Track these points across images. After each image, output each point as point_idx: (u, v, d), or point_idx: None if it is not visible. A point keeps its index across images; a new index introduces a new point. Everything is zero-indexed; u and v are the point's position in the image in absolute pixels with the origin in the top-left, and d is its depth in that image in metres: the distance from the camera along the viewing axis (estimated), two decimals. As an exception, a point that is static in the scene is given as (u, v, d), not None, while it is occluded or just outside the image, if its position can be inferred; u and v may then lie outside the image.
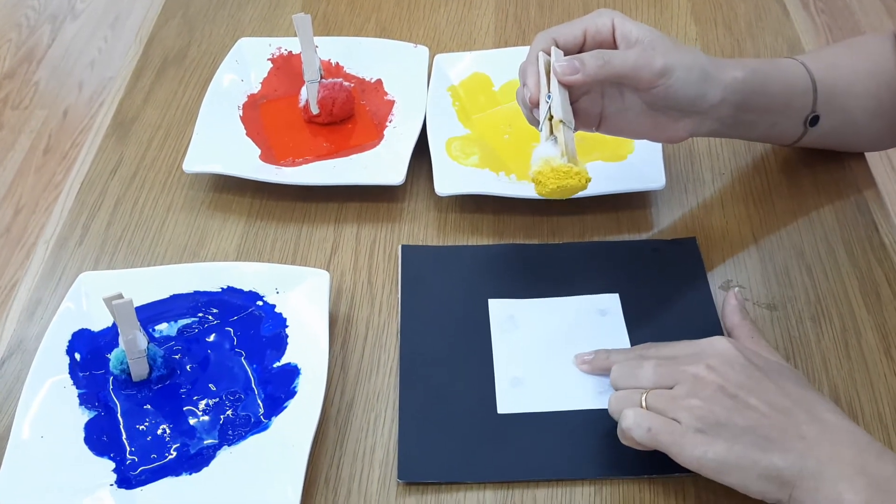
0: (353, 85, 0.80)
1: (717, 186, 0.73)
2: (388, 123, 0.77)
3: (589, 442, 0.56)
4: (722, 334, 0.61)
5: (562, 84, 0.60)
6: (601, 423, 0.57)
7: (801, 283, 0.66)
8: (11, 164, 1.83)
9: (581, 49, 0.63)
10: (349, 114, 0.77)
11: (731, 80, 0.62)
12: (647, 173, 0.71)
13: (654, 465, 0.54)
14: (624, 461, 0.55)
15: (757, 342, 0.57)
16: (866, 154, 0.75)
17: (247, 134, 0.76)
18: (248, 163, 0.73)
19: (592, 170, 0.72)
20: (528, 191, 0.70)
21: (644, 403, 0.52)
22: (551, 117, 0.60)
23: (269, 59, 0.83)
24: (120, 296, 0.54)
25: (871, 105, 0.69)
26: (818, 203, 0.71)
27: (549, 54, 0.62)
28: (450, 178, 0.71)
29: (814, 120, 0.68)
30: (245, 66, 0.82)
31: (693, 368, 0.52)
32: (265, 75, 0.82)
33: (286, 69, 0.82)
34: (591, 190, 0.68)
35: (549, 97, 0.60)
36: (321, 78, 0.76)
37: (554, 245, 0.69)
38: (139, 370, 0.58)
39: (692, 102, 0.61)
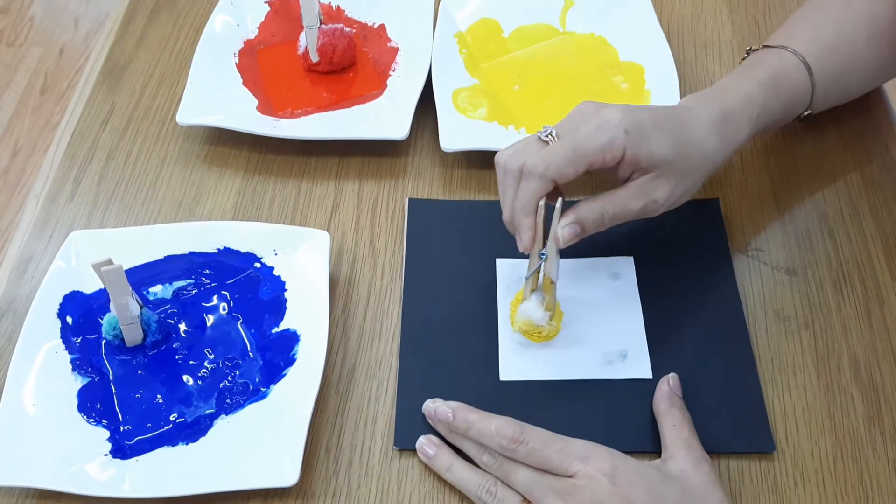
0: (354, 31, 0.76)
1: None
2: (391, 72, 0.73)
3: (593, 413, 0.54)
4: (739, 304, 0.59)
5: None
6: (607, 394, 0.55)
7: (823, 246, 0.63)
8: (8, 103, 1.79)
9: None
10: (350, 62, 0.74)
11: (738, 146, 0.59)
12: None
13: (653, 442, 0.52)
14: (629, 435, 0.53)
15: (677, 432, 0.51)
16: (896, 109, 0.71)
17: (243, 83, 0.72)
18: (244, 114, 0.70)
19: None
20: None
21: None
22: (538, 271, 0.56)
23: (266, 2, 0.78)
24: (109, 261, 0.51)
25: (872, 67, 0.65)
26: (844, 162, 0.68)
27: (546, 199, 0.54)
28: (456, 133, 0.67)
29: (806, 117, 0.64)
30: (241, 9, 0.77)
31: None
32: (262, 19, 0.77)
33: (284, 13, 0.78)
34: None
35: (543, 255, 0.55)
36: (321, 23, 0.72)
37: (566, 203, 0.66)
38: (133, 336, 0.56)
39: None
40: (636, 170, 0.55)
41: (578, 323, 0.59)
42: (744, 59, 0.65)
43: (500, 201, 0.57)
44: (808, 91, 0.62)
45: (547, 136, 0.55)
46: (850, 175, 0.67)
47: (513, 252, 0.60)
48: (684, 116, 0.57)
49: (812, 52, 0.62)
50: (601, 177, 0.60)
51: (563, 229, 0.54)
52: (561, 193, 0.54)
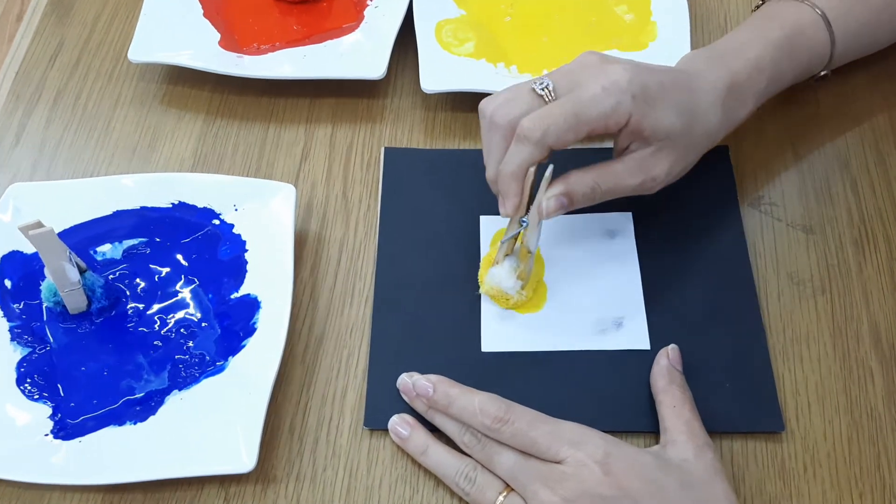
0: (328, -46, 0.68)
1: (753, 81, 0.63)
2: (368, 2, 0.66)
3: (584, 389, 0.49)
4: (749, 266, 0.53)
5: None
6: (600, 366, 0.50)
7: (845, 199, 0.57)
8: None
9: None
10: (323, -11, 0.66)
11: (738, 123, 0.53)
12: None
13: (652, 421, 0.48)
14: (625, 413, 0.49)
15: (678, 413, 0.46)
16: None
17: (204, 14, 0.65)
18: (205, 50, 0.63)
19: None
20: (529, 87, 0.60)
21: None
22: (515, 238, 0.50)
23: (230, -79, 0.70)
24: (39, 224, 0.45)
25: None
26: (870, 105, 0.61)
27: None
28: (439, 71, 0.60)
29: (822, 77, 0.57)
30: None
31: (545, 495, 0.42)
32: (226, -59, 0.69)
33: (251, -67, 0.70)
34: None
35: (524, 221, 0.49)
36: (289, -54, 0.64)
37: (559, 153, 0.59)
38: (75, 303, 0.50)
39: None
40: (636, 140, 0.49)
41: (569, 287, 0.53)
42: (757, 6, 0.57)
43: (484, 156, 0.50)
44: (826, 52, 0.55)
45: (543, 89, 0.48)
46: (877, 119, 0.60)
47: (499, 208, 0.54)
48: (692, 84, 0.50)
49: (834, 4, 0.55)
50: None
51: (549, 201, 0.48)
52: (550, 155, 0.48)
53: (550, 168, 0.48)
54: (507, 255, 0.50)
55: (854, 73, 0.61)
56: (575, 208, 0.49)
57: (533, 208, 0.48)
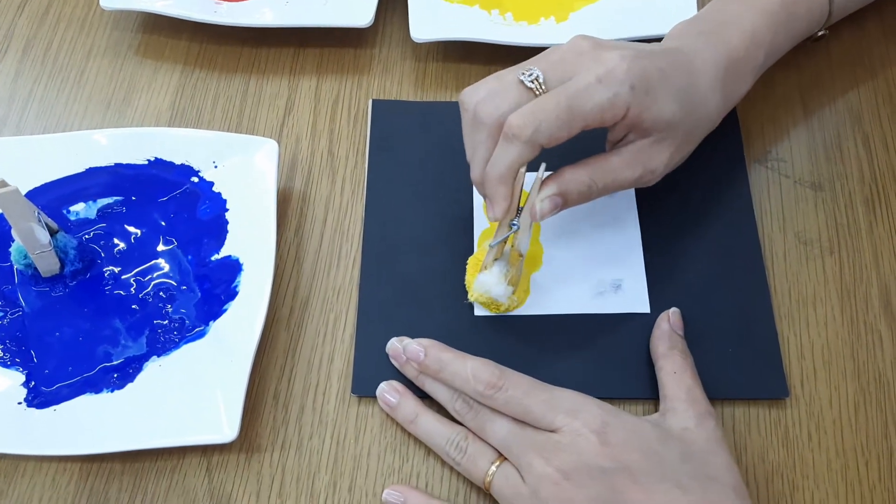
0: None
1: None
2: (355, -56, 0.62)
3: (581, 354, 0.47)
4: (754, 224, 0.51)
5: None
6: (598, 331, 0.48)
7: (856, 155, 0.54)
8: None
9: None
10: (308, -70, 0.62)
11: (735, 103, 0.50)
12: (675, 10, 0.56)
13: (651, 387, 0.46)
14: (623, 379, 0.47)
15: (678, 380, 0.44)
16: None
17: (181, -43, 0.61)
18: (182, -4, 0.59)
19: (606, 6, 0.59)
20: (526, 35, 0.57)
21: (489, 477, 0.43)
22: (504, 242, 0.46)
23: None
24: (3, 183, 0.43)
25: None
26: (885, 54, 0.58)
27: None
28: (430, 19, 0.57)
29: (819, 38, 0.54)
30: None
31: (540, 465, 0.40)
32: None
33: None
34: (604, 36, 0.55)
35: (514, 225, 0.45)
36: None
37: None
38: (47, 265, 0.48)
39: None
40: (633, 131, 0.45)
41: (566, 248, 0.51)
42: None
43: (467, 154, 0.46)
44: (824, 12, 0.52)
45: (532, 80, 0.43)
46: (892, 70, 0.57)
47: (492, 164, 0.51)
48: (691, 66, 0.46)
49: None
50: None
51: (543, 202, 0.44)
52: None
53: (543, 167, 0.44)
54: (495, 258, 0.47)
55: (867, 21, 0.58)
56: (569, 207, 0.46)
57: (525, 210, 0.45)
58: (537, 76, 0.43)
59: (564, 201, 0.45)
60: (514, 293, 0.48)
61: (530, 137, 0.42)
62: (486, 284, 0.47)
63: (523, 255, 0.46)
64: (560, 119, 0.42)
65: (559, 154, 0.46)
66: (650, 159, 0.46)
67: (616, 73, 0.43)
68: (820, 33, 0.53)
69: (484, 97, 0.44)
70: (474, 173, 0.46)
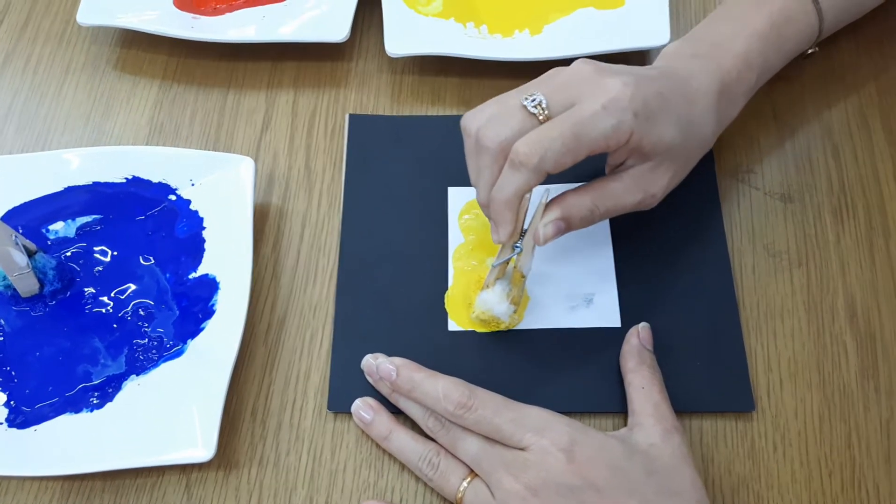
0: None
1: (734, 40, 0.60)
2: (331, -43, 0.62)
3: (553, 368, 0.48)
4: (724, 237, 0.52)
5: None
6: (566, 345, 0.49)
7: (825, 167, 0.55)
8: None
9: None
10: (284, -57, 0.62)
11: (727, 125, 0.51)
12: (648, 25, 0.57)
13: (621, 401, 0.47)
14: (594, 393, 0.48)
15: (647, 395, 0.45)
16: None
17: (157, -29, 0.62)
18: (158, 11, 0.60)
19: (580, 19, 0.59)
20: (502, 49, 0.58)
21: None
22: (507, 262, 0.47)
23: None
24: (-22, 209, 0.43)
25: None
26: (856, 65, 0.58)
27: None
28: (405, 33, 0.58)
29: (809, 55, 0.55)
30: None
31: (508, 482, 0.41)
32: None
33: None
34: (578, 49, 0.56)
35: (517, 247, 0.46)
36: None
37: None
38: (26, 286, 0.49)
39: None
40: (633, 156, 0.46)
41: (539, 262, 0.51)
42: None
43: (471, 177, 0.46)
44: (814, 32, 0.52)
45: (535, 106, 0.44)
46: (863, 82, 0.58)
47: (468, 179, 0.52)
48: (687, 91, 0.47)
49: None
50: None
51: (546, 227, 0.45)
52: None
53: (547, 192, 0.45)
54: (497, 278, 0.48)
55: (841, 36, 0.58)
56: (572, 230, 0.46)
57: (528, 234, 0.46)
58: (540, 101, 0.44)
59: (567, 225, 0.46)
60: (515, 312, 0.48)
61: (537, 165, 0.43)
62: (488, 302, 0.48)
63: (526, 276, 0.47)
64: (566, 146, 0.43)
65: (559, 173, 0.47)
66: (651, 184, 0.47)
67: (620, 101, 0.43)
68: (810, 51, 0.54)
69: (486, 122, 0.44)
70: (480, 197, 0.46)
